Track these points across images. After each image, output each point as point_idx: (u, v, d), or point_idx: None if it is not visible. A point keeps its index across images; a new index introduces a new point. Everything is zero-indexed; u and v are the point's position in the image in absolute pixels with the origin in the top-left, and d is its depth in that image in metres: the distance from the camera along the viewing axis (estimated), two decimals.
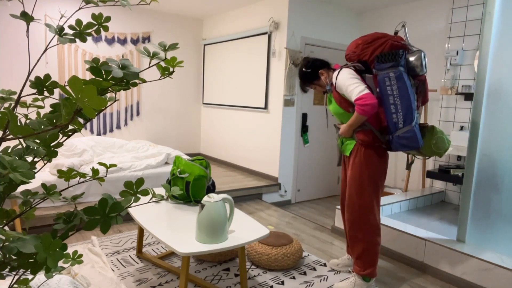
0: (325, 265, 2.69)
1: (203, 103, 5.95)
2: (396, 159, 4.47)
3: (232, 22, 5.13)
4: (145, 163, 3.84)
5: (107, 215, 0.77)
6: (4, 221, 0.73)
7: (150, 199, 0.99)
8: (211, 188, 2.54)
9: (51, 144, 0.74)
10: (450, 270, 2.51)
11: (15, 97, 0.85)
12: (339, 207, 3.32)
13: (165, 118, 5.70)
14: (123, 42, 5.08)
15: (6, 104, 0.86)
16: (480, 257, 2.36)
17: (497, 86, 2.49)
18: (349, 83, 2.13)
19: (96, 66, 0.78)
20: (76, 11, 0.85)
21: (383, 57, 2.10)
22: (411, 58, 2.11)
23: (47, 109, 4.28)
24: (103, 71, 0.78)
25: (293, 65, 4.15)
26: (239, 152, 5.14)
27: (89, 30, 0.86)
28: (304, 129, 4.50)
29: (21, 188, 2.66)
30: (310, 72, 2.39)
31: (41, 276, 1.71)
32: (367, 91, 2.08)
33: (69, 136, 0.79)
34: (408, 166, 2.43)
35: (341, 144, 2.40)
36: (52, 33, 0.98)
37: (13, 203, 2.64)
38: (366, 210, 2.23)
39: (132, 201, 0.81)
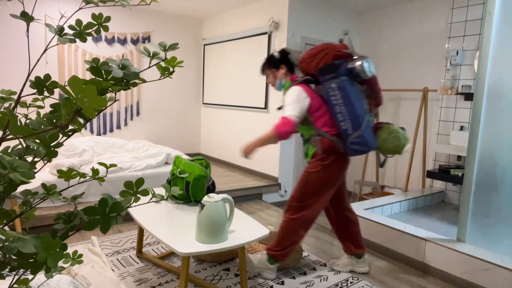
0: (325, 265, 2.69)
1: (203, 103, 5.95)
2: (396, 160, 4.47)
3: (232, 22, 5.13)
4: (145, 163, 3.84)
5: (107, 215, 0.77)
6: (4, 221, 0.73)
7: (150, 199, 0.99)
8: (211, 188, 2.54)
9: (51, 144, 0.74)
10: (450, 270, 2.51)
11: (15, 97, 0.84)
12: None
13: (165, 118, 5.70)
14: (123, 42, 5.08)
15: (6, 104, 0.86)
16: (480, 257, 2.36)
17: (497, 86, 2.49)
18: (290, 102, 2.24)
19: (96, 66, 0.78)
20: (76, 11, 0.85)
21: (323, 69, 2.22)
22: (354, 65, 2.21)
23: (47, 109, 4.28)
24: (103, 71, 0.78)
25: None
26: (238, 152, 5.13)
27: (89, 30, 0.86)
28: None
29: (21, 188, 2.66)
30: (277, 59, 2.42)
31: (41, 276, 1.71)
32: (296, 119, 2.21)
33: (69, 136, 0.79)
34: (381, 164, 2.46)
35: (306, 150, 2.48)
36: (52, 33, 0.98)
37: (13, 203, 2.64)
38: (303, 205, 2.32)
39: (132, 201, 0.81)
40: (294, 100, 2.24)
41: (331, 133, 2.27)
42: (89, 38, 4.91)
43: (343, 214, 2.56)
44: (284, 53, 2.44)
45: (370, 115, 2.30)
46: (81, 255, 0.88)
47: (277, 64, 2.42)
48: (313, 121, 2.29)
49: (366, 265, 2.60)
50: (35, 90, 0.90)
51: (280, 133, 2.18)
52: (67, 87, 0.63)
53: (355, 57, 2.23)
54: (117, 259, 2.61)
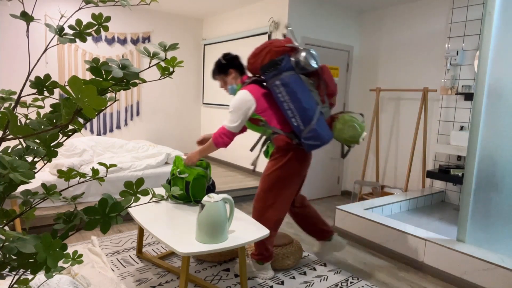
0: (325, 265, 2.69)
1: (203, 103, 5.95)
2: (396, 160, 4.47)
3: (232, 22, 5.13)
4: (145, 163, 3.84)
5: (107, 215, 0.77)
6: (4, 221, 0.73)
7: (150, 199, 0.99)
8: (211, 188, 2.54)
9: (51, 144, 0.74)
10: (450, 270, 2.51)
11: (15, 97, 0.84)
12: (339, 207, 3.33)
13: (165, 118, 5.70)
14: (123, 42, 5.08)
15: (6, 104, 0.86)
16: (480, 257, 2.36)
17: (497, 86, 2.49)
18: (231, 109, 2.25)
19: (96, 66, 0.78)
20: (76, 11, 0.85)
21: (264, 68, 2.20)
22: (299, 58, 2.18)
23: (47, 109, 4.28)
24: (103, 71, 0.78)
25: None
26: (239, 152, 5.13)
27: (89, 30, 0.86)
28: None
29: (21, 188, 2.66)
30: (224, 64, 2.42)
31: (41, 276, 1.71)
32: (236, 130, 2.24)
33: (69, 136, 0.79)
34: (343, 155, 2.45)
35: (266, 149, 2.49)
36: (52, 33, 0.98)
37: (13, 203, 2.64)
38: (267, 205, 2.34)
39: (132, 201, 0.81)
40: (235, 107, 2.23)
41: (286, 130, 2.26)
42: (89, 38, 4.91)
43: (300, 209, 2.62)
44: (228, 57, 2.42)
45: (323, 107, 2.28)
46: (81, 255, 0.88)
47: (225, 69, 2.41)
48: (267, 121, 2.26)
49: (340, 242, 2.67)
50: (35, 90, 0.90)
51: (218, 144, 2.24)
52: (67, 87, 0.63)
53: (299, 50, 2.21)
54: (117, 259, 2.61)
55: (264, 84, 2.33)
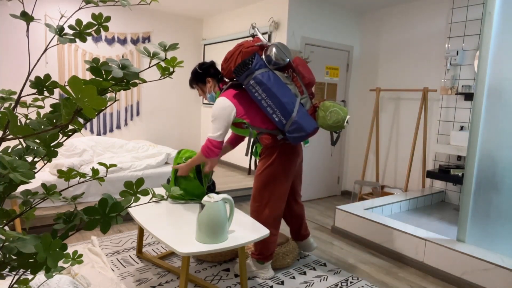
0: (325, 265, 2.69)
1: (203, 103, 5.95)
2: (396, 160, 4.47)
3: (232, 22, 5.13)
4: (145, 163, 3.84)
5: (107, 215, 0.77)
6: (4, 221, 0.73)
7: (150, 199, 0.99)
8: (212, 188, 2.54)
9: (51, 144, 0.74)
10: (450, 270, 2.51)
11: (15, 97, 0.84)
12: (339, 207, 3.33)
13: (165, 118, 5.70)
14: (123, 42, 5.08)
15: (6, 104, 0.86)
16: (480, 257, 2.36)
17: (497, 86, 2.49)
18: (212, 119, 2.24)
19: (96, 66, 0.78)
20: (76, 11, 0.85)
21: (235, 72, 2.22)
22: (270, 54, 2.22)
23: (47, 109, 4.28)
24: (103, 71, 0.78)
25: None
26: (239, 152, 5.13)
27: (89, 30, 0.86)
28: None
29: (21, 188, 2.66)
30: (200, 74, 2.44)
31: (41, 276, 1.71)
32: (221, 138, 2.23)
33: (69, 136, 0.79)
34: (333, 142, 2.45)
35: (255, 149, 2.52)
36: (52, 33, 0.98)
37: (13, 203, 2.64)
38: (262, 204, 2.36)
39: (132, 201, 0.81)
40: (216, 116, 2.23)
41: (270, 127, 2.28)
42: (89, 38, 4.90)
43: (291, 205, 2.64)
44: (204, 66, 2.44)
45: (302, 98, 2.30)
46: (81, 255, 0.88)
47: (202, 78, 2.44)
48: (249, 122, 2.27)
49: (311, 244, 2.75)
50: (35, 90, 0.90)
51: (207, 155, 2.25)
52: (67, 87, 0.63)
53: (268, 47, 2.24)
54: (117, 259, 2.61)
55: (242, 86, 2.34)
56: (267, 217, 2.35)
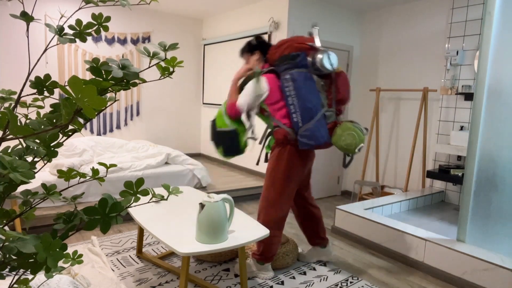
0: (325, 265, 2.69)
1: (203, 103, 5.95)
2: (396, 160, 4.47)
3: (232, 22, 5.13)
4: (145, 163, 3.84)
5: (107, 215, 0.77)
6: (4, 221, 0.73)
7: (150, 199, 0.99)
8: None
9: (51, 144, 0.74)
10: (450, 270, 2.51)
11: (15, 97, 0.84)
12: (339, 207, 3.33)
13: (165, 118, 5.70)
14: (123, 42, 5.08)
15: (6, 104, 0.86)
16: (480, 257, 2.36)
17: (497, 86, 2.49)
18: (245, 92, 2.31)
19: (96, 66, 0.78)
20: (76, 11, 0.85)
21: (279, 60, 2.26)
22: (315, 59, 2.21)
23: (47, 109, 4.28)
24: (103, 71, 0.78)
25: None
26: None
27: (89, 30, 0.86)
28: None
29: (21, 188, 2.66)
30: (254, 45, 2.47)
31: (41, 276, 1.71)
32: (242, 108, 2.31)
33: (69, 136, 0.79)
34: (345, 165, 2.45)
35: (268, 142, 2.54)
36: (52, 33, 0.98)
37: (13, 203, 2.64)
38: (269, 203, 2.36)
39: (132, 201, 0.81)
40: (250, 91, 2.29)
41: (288, 125, 2.28)
42: (89, 38, 4.91)
43: (307, 209, 2.62)
44: (261, 40, 2.47)
45: (328, 110, 2.29)
46: (81, 255, 0.88)
47: (252, 49, 2.46)
48: (271, 112, 2.30)
49: (331, 253, 2.70)
50: (35, 90, 0.90)
51: (228, 112, 2.35)
52: (67, 87, 0.63)
53: (318, 51, 2.24)
54: (117, 259, 2.61)
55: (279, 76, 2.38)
56: (271, 216, 2.35)
